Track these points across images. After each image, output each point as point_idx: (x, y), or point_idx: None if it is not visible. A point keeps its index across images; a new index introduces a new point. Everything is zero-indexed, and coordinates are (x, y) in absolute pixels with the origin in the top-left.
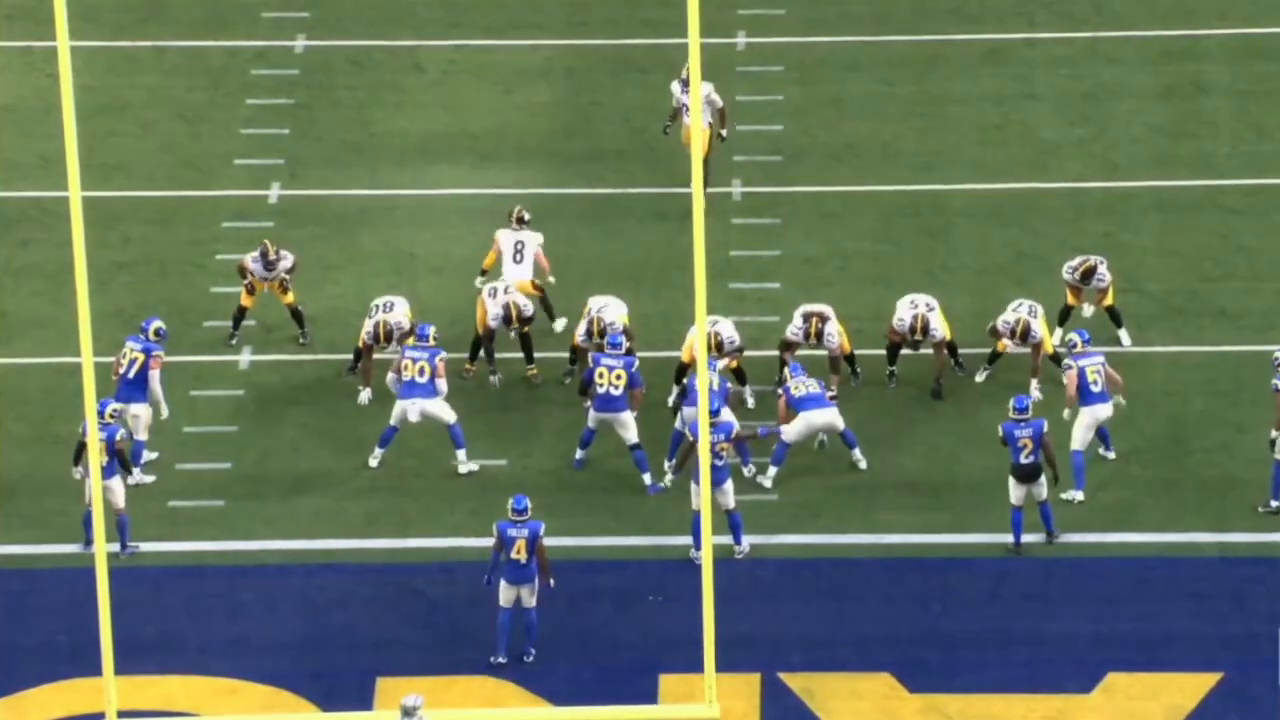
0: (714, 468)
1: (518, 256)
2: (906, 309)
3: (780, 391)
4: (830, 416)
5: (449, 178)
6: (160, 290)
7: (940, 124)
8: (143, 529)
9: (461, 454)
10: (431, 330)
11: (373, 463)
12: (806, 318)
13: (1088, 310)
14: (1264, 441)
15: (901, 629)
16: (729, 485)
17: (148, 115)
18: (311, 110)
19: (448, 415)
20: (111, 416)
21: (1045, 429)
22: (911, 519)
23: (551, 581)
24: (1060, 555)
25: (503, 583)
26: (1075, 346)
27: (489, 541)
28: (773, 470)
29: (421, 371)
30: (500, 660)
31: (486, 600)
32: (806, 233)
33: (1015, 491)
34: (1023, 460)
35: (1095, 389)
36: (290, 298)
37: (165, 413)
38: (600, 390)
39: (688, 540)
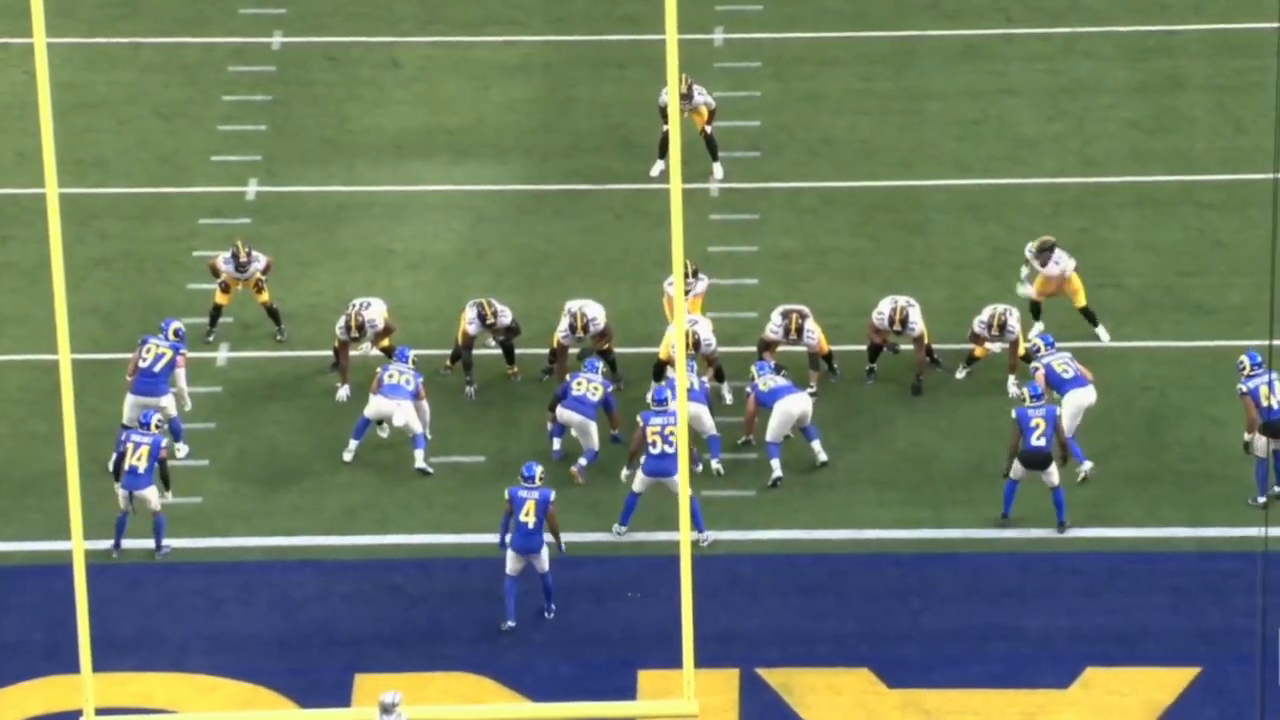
0: (666, 455)
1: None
2: (886, 303)
3: (749, 391)
4: (805, 404)
5: (426, 174)
6: (137, 287)
7: (918, 119)
8: (137, 524)
9: (419, 453)
10: (411, 354)
11: (347, 456)
12: (785, 315)
13: (1025, 289)
14: (1241, 436)
15: (880, 624)
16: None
17: (124, 112)
18: (289, 106)
19: (417, 426)
20: (157, 427)
21: (1058, 413)
22: (890, 514)
23: (562, 546)
24: (1038, 550)
25: (510, 552)
26: (1039, 352)
27: (467, 538)
28: (775, 461)
29: (408, 383)
30: (509, 625)
31: (465, 596)
32: (784, 228)
33: (1018, 470)
34: (1034, 442)
35: (1068, 376)
36: (265, 297)
37: (189, 405)
38: (577, 394)
39: (666, 536)
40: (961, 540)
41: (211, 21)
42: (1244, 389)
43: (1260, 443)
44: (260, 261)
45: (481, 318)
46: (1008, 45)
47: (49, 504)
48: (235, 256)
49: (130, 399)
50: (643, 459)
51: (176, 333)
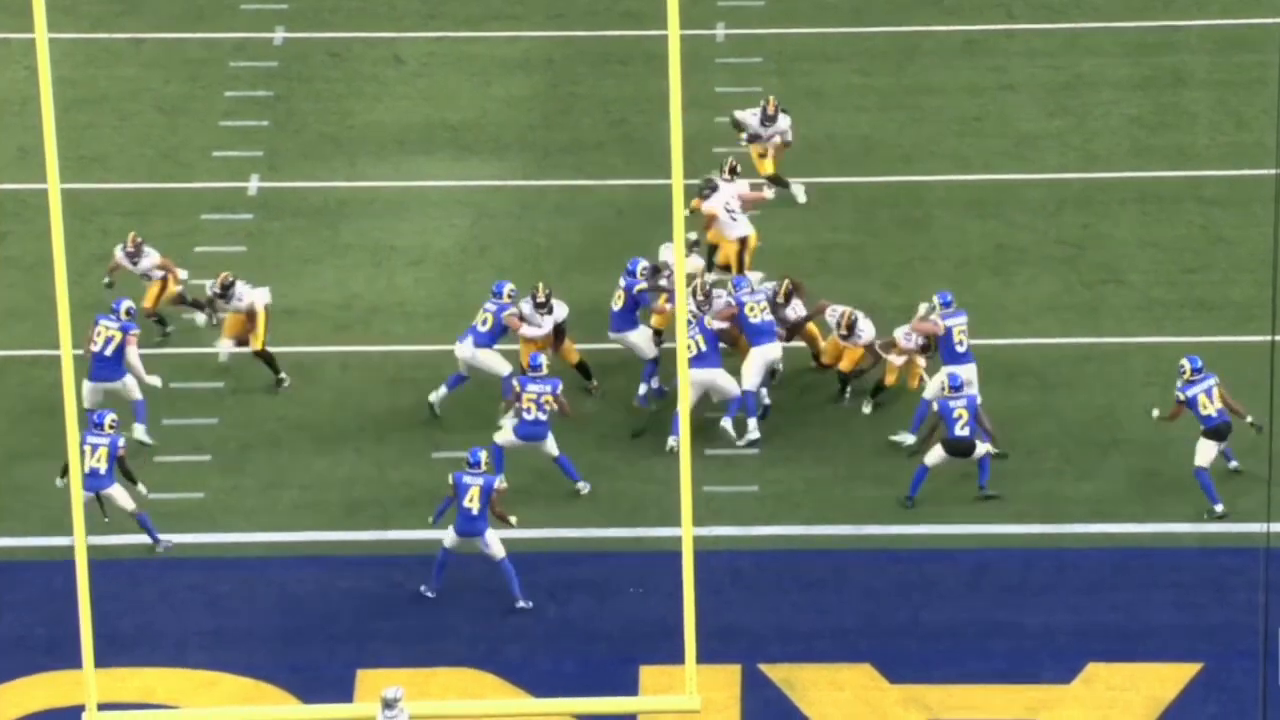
0: (539, 422)
1: (733, 215)
2: (836, 309)
3: (733, 301)
4: (777, 351)
5: (428, 170)
6: (139, 283)
7: (919, 115)
8: (121, 521)
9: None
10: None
11: (433, 397)
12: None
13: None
14: (1244, 432)
15: (881, 620)
16: (550, 436)
17: (126, 107)
18: (290, 102)
19: (502, 367)
20: (111, 426)
21: (979, 401)
22: (891, 510)
23: (513, 520)
24: (1040, 546)
25: (451, 530)
26: (934, 310)
27: None
28: (753, 422)
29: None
30: (429, 594)
31: (466, 592)
32: (785, 224)
33: (939, 457)
34: (957, 432)
35: (960, 349)
36: (167, 290)
37: (153, 381)
38: (617, 308)
39: (668, 531)
40: (963, 536)
41: (213, 17)
42: (1181, 397)
43: (1205, 449)
44: (152, 258)
45: (533, 296)
46: (1009, 41)
47: (50, 500)
48: (124, 246)
49: (87, 385)
50: (516, 423)
51: (129, 311)
